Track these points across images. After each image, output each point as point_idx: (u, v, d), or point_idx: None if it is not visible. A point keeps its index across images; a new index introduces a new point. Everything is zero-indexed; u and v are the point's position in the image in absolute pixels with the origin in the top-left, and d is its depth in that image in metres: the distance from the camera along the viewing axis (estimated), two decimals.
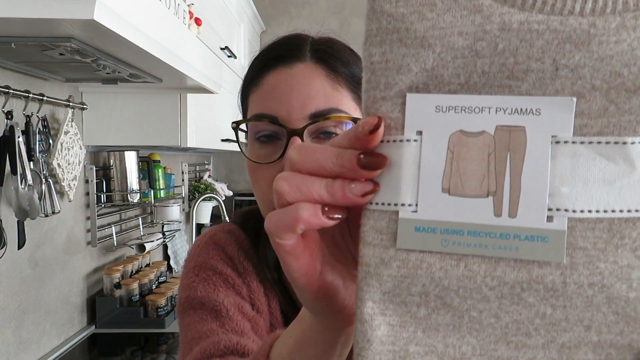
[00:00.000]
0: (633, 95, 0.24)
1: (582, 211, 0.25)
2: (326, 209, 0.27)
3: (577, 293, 0.25)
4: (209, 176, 2.73)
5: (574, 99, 0.25)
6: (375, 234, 0.27)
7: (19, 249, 1.21)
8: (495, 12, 0.25)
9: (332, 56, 0.57)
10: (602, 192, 0.25)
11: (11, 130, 1.14)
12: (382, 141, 0.27)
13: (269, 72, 0.57)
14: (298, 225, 0.27)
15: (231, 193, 2.75)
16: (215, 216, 2.55)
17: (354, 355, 0.27)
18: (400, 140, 0.26)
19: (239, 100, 0.65)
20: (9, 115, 1.14)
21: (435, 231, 0.26)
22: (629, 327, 0.25)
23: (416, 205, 0.26)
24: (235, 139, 0.61)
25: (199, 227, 2.45)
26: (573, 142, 0.25)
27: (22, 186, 1.17)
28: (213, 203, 2.49)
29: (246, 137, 0.62)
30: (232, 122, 0.60)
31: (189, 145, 1.56)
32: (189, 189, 2.49)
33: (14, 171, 1.15)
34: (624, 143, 0.24)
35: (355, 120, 0.55)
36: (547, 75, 0.25)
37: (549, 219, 0.25)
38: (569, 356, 0.26)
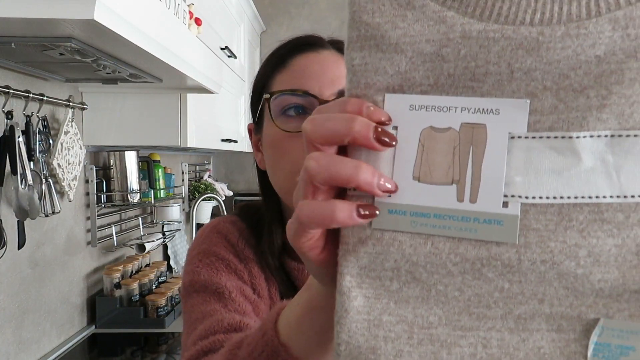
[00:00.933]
0: (579, 95, 0.27)
1: (533, 197, 0.28)
2: (361, 211, 0.28)
3: (530, 269, 0.28)
4: (209, 176, 2.73)
5: (528, 101, 0.28)
6: None
7: (19, 249, 1.21)
8: (457, 22, 0.28)
9: None
10: (552, 181, 0.27)
11: (11, 130, 1.14)
12: None
13: (297, 56, 0.62)
14: (332, 224, 0.29)
15: (231, 193, 2.75)
16: (215, 216, 2.55)
17: (334, 323, 0.30)
18: None
19: (251, 92, 0.68)
20: (9, 115, 1.14)
21: (405, 214, 0.29)
22: (578, 300, 0.28)
23: None
24: (268, 113, 0.63)
25: (199, 227, 2.45)
26: (526, 137, 0.28)
27: (22, 186, 1.17)
28: (213, 203, 2.49)
29: (256, 120, 0.65)
30: (266, 94, 0.62)
31: (189, 145, 1.56)
32: (189, 189, 2.49)
33: (14, 171, 1.15)
34: (570, 137, 0.27)
35: None
36: (504, 78, 0.28)
37: (505, 204, 0.28)
38: (525, 326, 0.28)
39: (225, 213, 2.06)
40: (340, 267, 0.30)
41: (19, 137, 1.15)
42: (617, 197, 0.27)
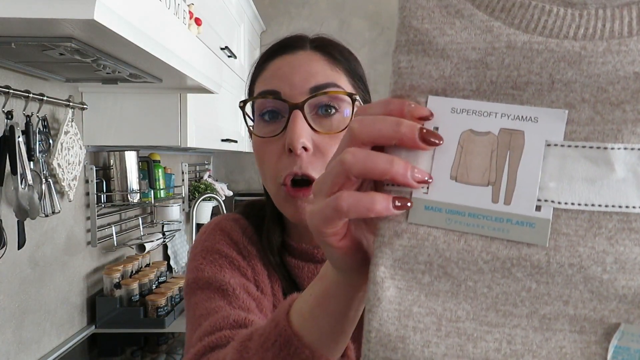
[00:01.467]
0: (616, 109, 0.29)
1: (566, 203, 0.29)
2: (397, 203, 0.30)
3: (558, 272, 0.29)
4: (209, 176, 2.73)
5: (566, 112, 0.29)
6: None
7: (19, 249, 1.21)
8: (503, 33, 0.30)
9: (330, 46, 0.63)
10: (584, 189, 0.29)
11: (11, 130, 1.14)
12: None
13: (273, 59, 0.62)
14: (369, 214, 0.30)
15: (231, 193, 2.75)
16: (215, 216, 2.55)
17: (365, 311, 0.31)
18: None
19: (246, 95, 0.70)
20: (9, 115, 1.14)
21: (441, 210, 0.31)
22: (602, 304, 0.29)
23: (427, 188, 0.31)
24: (244, 121, 0.67)
25: (199, 227, 2.45)
26: (562, 146, 0.29)
27: (22, 186, 1.17)
28: (213, 203, 2.49)
29: (253, 122, 0.67)
30: (240, 102, 0.64)
31: (189, 145, 1.56)
32: (189, 189, 2.49)
33: (14, 171, 1.15)
34: (605, 148, 0.29)
35: (351, 95, 0.60)
36: (545, 88, 0.29)
37: (537, 208, 0.29)
38: (549, 326, 0.30)
39: (225, 213, 2.06)
40: (375, 258, 0.31)
41: (19, 137, 1.15)
42: None
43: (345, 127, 0.59)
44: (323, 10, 3.04)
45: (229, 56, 2.07)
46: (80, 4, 0.72)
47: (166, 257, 2.27)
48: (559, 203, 0.29)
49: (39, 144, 1.26)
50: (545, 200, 0.29)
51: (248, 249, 0.66)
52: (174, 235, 2.23)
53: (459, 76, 0.31)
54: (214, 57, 1.51)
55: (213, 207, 2.55)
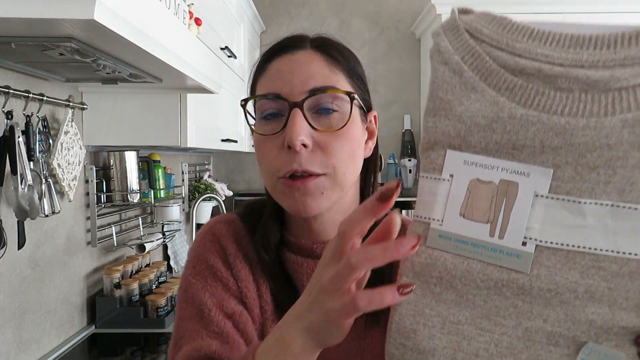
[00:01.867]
0: (592, 171, 0.37)
1: (546, 242, 0.37)
2: (402, 290, 0.39)
3: (539, 295, 0.37)
4: (209, 176, 2.73)
5: (552, 170, 0.37)
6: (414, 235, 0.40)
7: (19, 249, 1.21)
8: (507, 106, 0.38)
9: (329, 46, 0.64)
10: (562, 233, 0.37)
11: (11, 130, 1.14)
12: (428, 177, 0.40)
13: (274, 60, 0.63)
14: (383, 305, 0.39)
15: (231, 193, 2.75)
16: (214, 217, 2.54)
17: (391, 308, 0.41)
18: (439, 179, 0.40)
19: (248, 93, 0.70)
20: (9, 115, 1.14)
21: (451, 239, 0.39)
22: (574, 326, 0.37)
23: (442, 221, 0.40)
24: (245, 121, 0.68)
25: (199, 227, 2.44)
26: (547, 197, 0.37)
27: (22, 186, 1.17)
28: (213, 203, 2.49)
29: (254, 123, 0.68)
30: (241, 100, 0.66)
31: (189, 145, 1.56)
32: (189, 189, 2.49)
33: (14, 171, 1.15)
34: (579, 202, 0.37)
35: (349, 94, 0.61)
36: (537, 150, 0.38)
37: (524, 244, 0.38)
38: (530, 337, 0.38)
39: (224, 213, 2.05)
40: (400, 270, 0.41)
41: (19, 137, 1.15)
42: (612, 251, 0.36)
43: (344, 125, 0.60)
44: (323, 10, 3.04)
45: (229, 56, 2.07)
46: (80, 4, 0.72)
47: (166, 257, 2.27)
48: (541, 241, 0.37)
49: (39, 144, 1.26)
50: (530, 238, 0.38)
51: (236, 254, 0.67)
52: (174, 235, 2.23)
53: (471, 136, 0.39)
54: (214, 57, 1.51)
55: (213, 207, 2.55)
